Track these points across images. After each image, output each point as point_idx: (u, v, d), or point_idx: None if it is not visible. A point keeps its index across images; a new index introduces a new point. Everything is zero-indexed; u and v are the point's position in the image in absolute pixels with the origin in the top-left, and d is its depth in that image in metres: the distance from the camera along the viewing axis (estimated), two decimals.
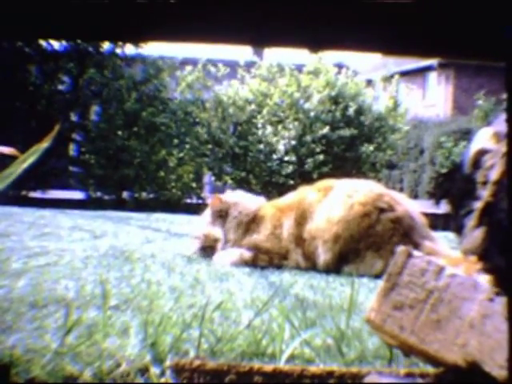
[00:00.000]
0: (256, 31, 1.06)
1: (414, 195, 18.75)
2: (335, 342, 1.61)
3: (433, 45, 1.07)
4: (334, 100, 12.17)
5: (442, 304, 1.24)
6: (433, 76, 26.56)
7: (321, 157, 11.74)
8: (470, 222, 1.24)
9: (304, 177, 11.47)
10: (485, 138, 1.26)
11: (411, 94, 20.29)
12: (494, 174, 1.20)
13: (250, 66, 12.93)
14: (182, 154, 12.00)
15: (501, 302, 1.18)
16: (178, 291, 2.39)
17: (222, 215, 3.69)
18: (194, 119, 12.28)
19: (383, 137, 12.47)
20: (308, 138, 11.82)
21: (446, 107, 25.55)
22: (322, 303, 2.28)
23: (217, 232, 3.69)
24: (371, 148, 12.11)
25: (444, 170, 16.53)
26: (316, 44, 1.12)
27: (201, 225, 3.79)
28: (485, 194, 1.22)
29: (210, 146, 12.28)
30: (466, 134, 16.02)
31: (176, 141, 11.96)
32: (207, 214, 3.78)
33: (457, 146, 16.43)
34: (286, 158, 11.91)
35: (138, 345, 1.48)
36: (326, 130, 11.81)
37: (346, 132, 11.93)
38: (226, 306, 2.08)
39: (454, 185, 1.30)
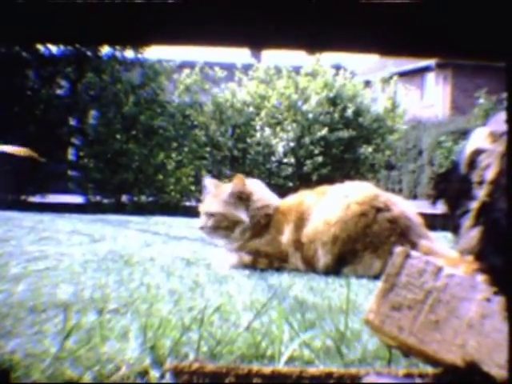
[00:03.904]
0: (254, 33, 1.06)
1: (413, 196, 18.77)
2: (334, 343, 1.61)
3: (431, 45, 1.07)
4: (332, 101, 12.18)
5: (440, 304, 1.24)
6: (431, 76, 26.58)
7: (319, 158, 11.75)
8: (467, 222, 1.24)
9: (303, 178, 11.49)
10: (480, 138, 1.26)
11: (409, 94, 20.31)
12: (490, 174, 1.21)
13: (247, 68, 12.94)
14: (180, 157, 12.00)
15: (499, 302, 1.18)
16: (178, 294, 2.38)
17: (242, 198, 3.50)
18: (192, 122, 12.28)
19: (382, 138, 12.48)
20: (306, 139, 11.83)
21: (444, 107, 25.57)
22: (321, 305, 2.28)
23: (237, 214, 3.48)
24: (370, 149, 12.13)
25: (442, 171, 16.57)
26: (313, 45, 1.12)
27: (213, 203, 3.52)
28: (481, 193, 1.22)
29: (208, 149, 12.28)
30: (465, 134, 16.02)
31: (174, 144, 11.95)
32: (223, 192, 3.52)
33: (456, 146, 16.45)
34: (285, 160, 11.92)
35: (137, 348, 1.49)
36: (324, 131, 11.82)
37: (345, 133, 11.94)
38: (225, 309, 2.08)
39: (449, 185, 1.30)
